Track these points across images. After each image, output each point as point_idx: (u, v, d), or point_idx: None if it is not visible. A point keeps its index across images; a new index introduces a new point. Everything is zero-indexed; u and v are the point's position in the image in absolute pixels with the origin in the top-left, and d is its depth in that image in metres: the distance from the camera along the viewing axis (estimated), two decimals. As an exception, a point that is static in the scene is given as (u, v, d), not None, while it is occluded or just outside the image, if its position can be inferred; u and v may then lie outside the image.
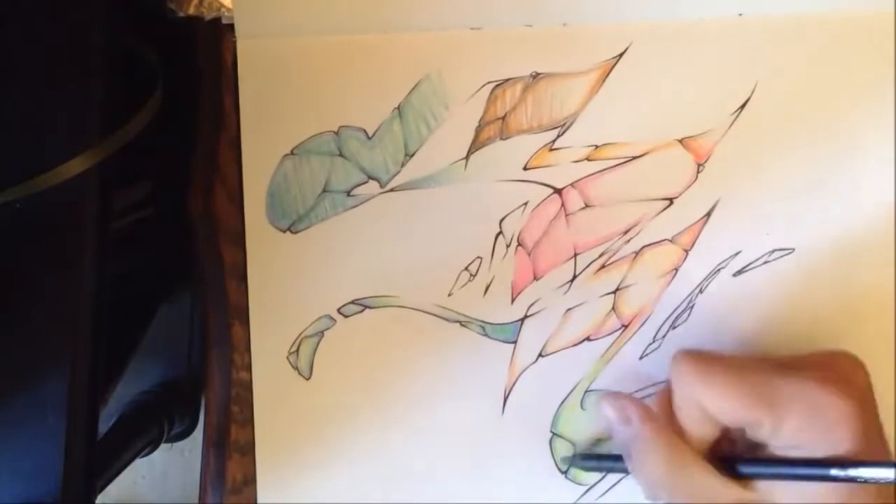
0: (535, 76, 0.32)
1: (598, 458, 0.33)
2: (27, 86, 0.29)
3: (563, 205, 0.33)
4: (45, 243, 0.29)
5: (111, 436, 0.43)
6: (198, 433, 0.51)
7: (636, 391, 0.33)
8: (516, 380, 0.33)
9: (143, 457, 0.47)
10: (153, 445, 0.48)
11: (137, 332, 0.43)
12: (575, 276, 0.33)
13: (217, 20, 0.33)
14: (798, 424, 0.26)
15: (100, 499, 0.32)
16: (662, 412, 0.29)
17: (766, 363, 0.28)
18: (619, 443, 0.31)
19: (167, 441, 0.50)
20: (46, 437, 0.28)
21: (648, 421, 0.29)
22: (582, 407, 0.33)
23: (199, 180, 0.34)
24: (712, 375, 0.27)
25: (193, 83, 0.34)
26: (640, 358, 0.33)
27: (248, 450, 0.34)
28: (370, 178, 0.33)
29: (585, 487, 0.33)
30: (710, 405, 0.27)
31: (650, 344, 0.33)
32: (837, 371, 0.27)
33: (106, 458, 0.39)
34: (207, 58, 0.33)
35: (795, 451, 0.26)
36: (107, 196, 0.30)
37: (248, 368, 0.34)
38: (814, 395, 0.26)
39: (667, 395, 0.30)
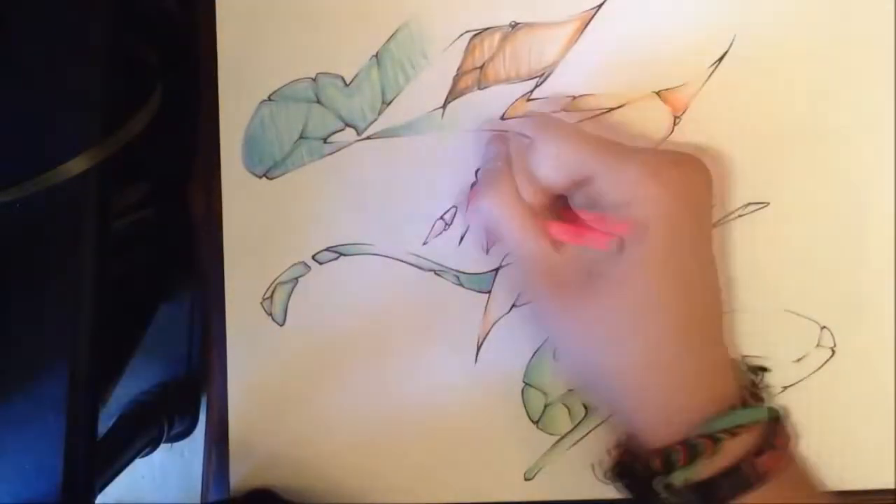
0: (514, 26, 0.32)
1: None
2: (27, 86, 0.29)
3: (539, 155, 0.33)
4: (45, 243, 0.29)
5: (111, 436, 0.43)
6: (198, 433, 0.51)
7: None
8: (489, 330, 0.34)
9: (143, 457, 0.47)
10: (153, 445, 0.48)
11: (137, 332, 0.43)
12: (550, 227, 0.33)
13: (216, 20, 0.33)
14: (605, 188, 0.27)
15: (100, 499, 0.32)
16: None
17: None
18: (480, 175, 0.32)
19: (167, 441, 0.50)
20: (46, 437, 0.28)
21: (504, 160, 0.30)
22: (555, 357, 0.33)
23: (199, 179, 0.34)
24: (546, 143, 0.29)
25: (193, 83, 0.34)
26: (614, 309, 0.33)
27: None
28: (347, 125, 0.33)
29: (557, 437, 0.34)
30: (539, 173, 0.29)
31: (624, 295, 0.33)
32: (672, 163, 0.28)
33: (106, 458, 0.39)
34: (207, 57, 0.33)
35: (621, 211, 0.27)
36: (107, 196, 0.30)
37: None
38: (636, 171, 0.27)
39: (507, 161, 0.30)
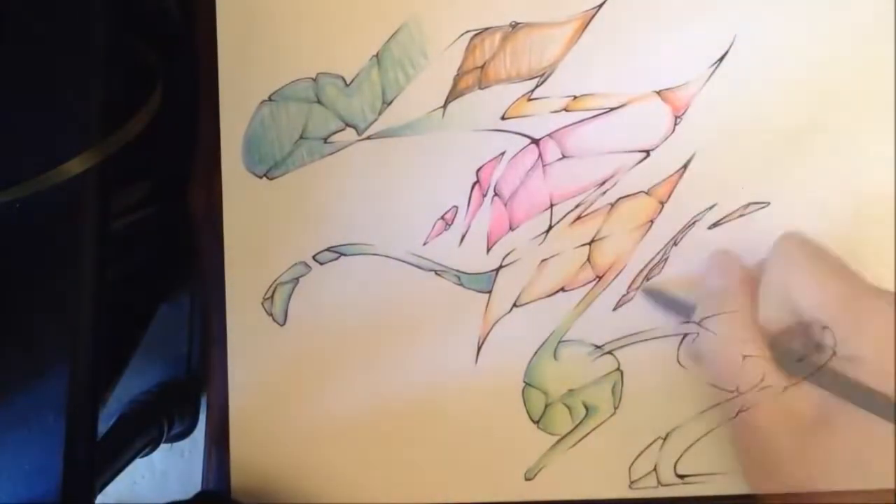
0: (515, 26, 0.32)
1: (664, 297, 0.33)
2: (27, 86, 0.29)
3: (540, 155, 0.33)
4: (45, 243, 0.29)
5: (111, 436, 0.43)
6: (198, 433, 0.51)
7: (608, 342, 0.33)
8: (490, 329, 0.34)
9: (143, 457, 0.47)
10: (153, 445, 0.48)
11: (137, 332, 0.43)
12: (550, 227, 0.33)
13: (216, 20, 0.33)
14: (865, 342, 0.27)
15: (99, 499, 0.32)
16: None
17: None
18: (707, 290, 0.31)
19: (167, 441, 0.50)
20: (46, 437, 0.28)
21: (743, 283, 0.30)
22: (555, 357, 0.33)
23: (199, 179, 0.34)
24: (817, 261, 0.28)
25: (193, 83, 0.34)
26: (614, 309, 0.33)
27: None
28: (347, 125, 0.33)
29: (558, 437, 0.34)
30: (800, 290, 0.28)
31: (624, 295, 0.33)
32: None
33: (106, 458, 0.39)
34: (207, 57, 0.33)
35: (849, 365, 0.27)
36: (107, 196, 0.30)
37: None
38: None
39: (752, 275, 0.30)
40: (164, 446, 0.51)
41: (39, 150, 0.29)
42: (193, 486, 0.36)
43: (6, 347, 0.29)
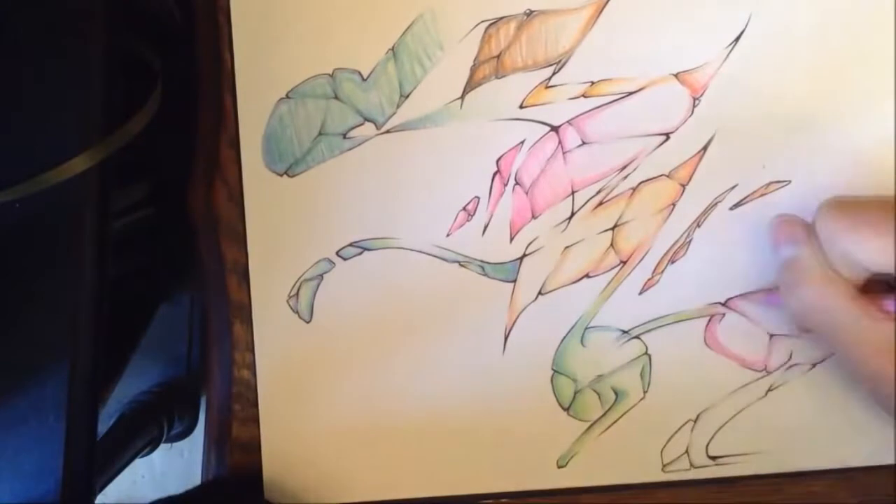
0: (529, 13, 0.32)
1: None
2: (27, 85, 0.29)
3: (559, 142, 0.33)
4: (46, 243, 0.29)
5: (111, 436, 0.43)
6: (198, 433, 0.51)
7: (635, 327, 0.33)
8: (516, 318, 0.34)
9: (142, 457, 0.48)
10: (153, 445, 0.48)
11: (137, 332, 0.43)
12: (573, 214, 0.33)
13: (216, 20, 0.33)
14: None
15: (99, 499, 0.32)
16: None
17: None
18: (781, 263, 0.30)
19: (167, 441, 0.50)
20: (46, 437, 0.28)
21: (811, 245, 0.29)
22: (583, 344, 0.33)
23: (199, 179, 0.34)
24: (860, 228, 0.27)
25: (193, 83, 0.34)
26: (640, 294, 0.33)
27: (251, 448, 0.34)
28: (366, 119, 0.33)
29: (588, 423, 0.34)
30: (862, 258, 0.27)
31: (649, 279, 0.33)
32: None
33: (106, 458, 0.39)
34: (207, 57, 0.33)
35: None
36: (107, 196, 0.30)
37: (249, 367, 0.34)
38: None
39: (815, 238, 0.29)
40: (163, 446, 0.51)
41: (39, 150, 0.28)
42: (193, 485, 0.36)
43: (6, 347, 0.29)
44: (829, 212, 0.29)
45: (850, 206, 0.29)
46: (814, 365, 0.33)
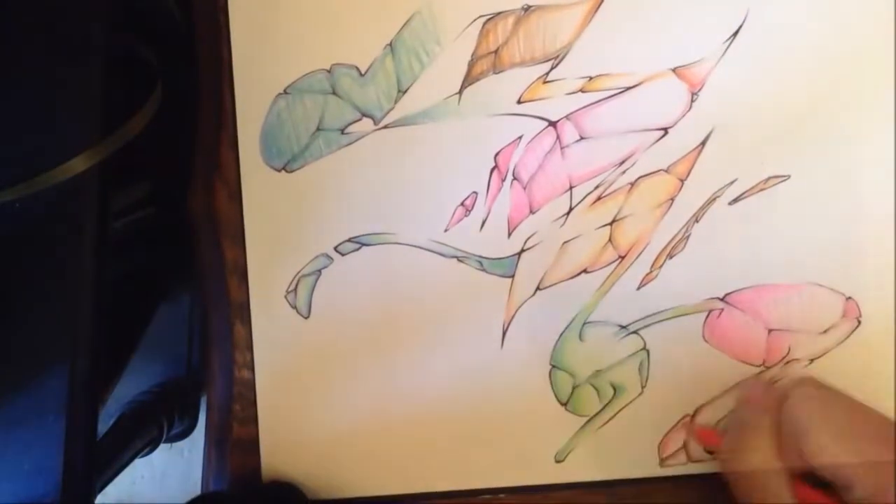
0: (527, 9, 0.32)
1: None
2: (27, 85, 0.29)
3: (557, 137, 0.33)
4: (45, 243, 0.29)
5: (111, 436, 0.44)
6: (198, 433, 0.51)
7: (633, 322, 0.33)
8: (514, 313, 0.34)
9: (142, 457, 0.48)
10: (153, 445, 0.48)
11: (137, 332, 0.43)
12: (571, 209, 0.33)
13: (216, 20, 0.33)
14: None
15: (99, 499, 0.32)
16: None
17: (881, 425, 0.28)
18: (736, 421, 0.31)
19: (167, 441, 0.51)
20: (46, 437, 0.28)
21: (766, 413, 0.29)
22: (581, 339, 0.33)
23: (199, 179, 0.34)
24: (841, 437, 0.27)
25: (193, 83, 0.34)
26: (638, 289, 0.33)
27: (251, 448, 0.34)
28: (364, 115, 0.33)
29: (586, 418, 0.34)
30: (824, 461, 0.27)
31: (647, 274, 0.33)
32: None
33: (106, 458, 0.39)
34: (207, 57, 0.33)
35: None
36: (107, 196, 0.30)
37: (250, 367, 0.34)
38: None
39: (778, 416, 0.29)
40: (163, 446, 0.51)
41: (40, 150, 0.29)
42: (193, 485, 0.36)
43: (7, 347, 0.29)
44: (805, 403, 0.28)
45: (829, 403, 0.28)
46: (811, 360, 0.33)
